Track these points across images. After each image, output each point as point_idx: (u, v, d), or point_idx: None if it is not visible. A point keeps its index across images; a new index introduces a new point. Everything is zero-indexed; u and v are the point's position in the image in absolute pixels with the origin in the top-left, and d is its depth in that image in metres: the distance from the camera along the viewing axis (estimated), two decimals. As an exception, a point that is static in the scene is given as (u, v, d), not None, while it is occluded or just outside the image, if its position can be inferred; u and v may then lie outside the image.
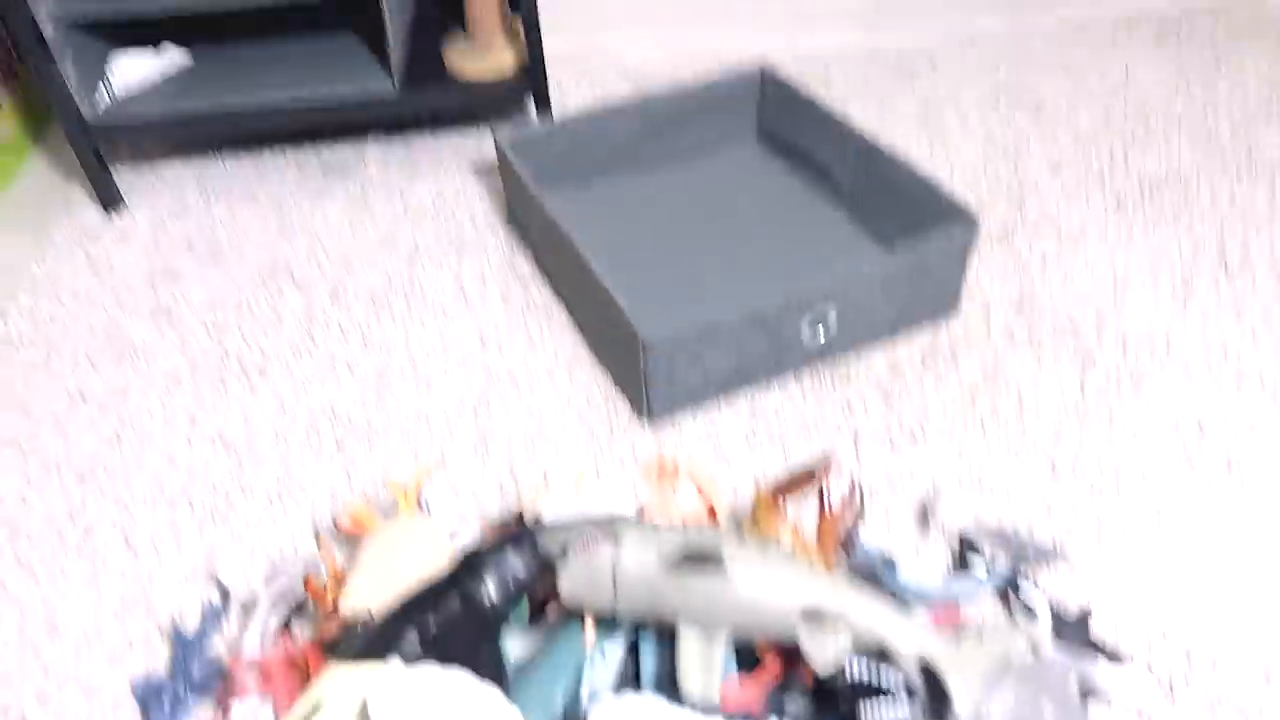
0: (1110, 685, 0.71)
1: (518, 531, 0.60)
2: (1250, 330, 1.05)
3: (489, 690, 0.52)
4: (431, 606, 0.56)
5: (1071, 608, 0.78)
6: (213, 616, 0.80)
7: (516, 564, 0.58)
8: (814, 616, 0.53)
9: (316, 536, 0.78)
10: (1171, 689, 0.72)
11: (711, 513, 0.66)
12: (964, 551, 0.81)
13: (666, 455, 0.68)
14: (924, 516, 0.86)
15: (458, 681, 0.51)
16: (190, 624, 0.81)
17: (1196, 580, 0.80)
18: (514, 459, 0.94)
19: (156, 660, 0.79)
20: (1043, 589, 0.79)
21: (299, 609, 0.78)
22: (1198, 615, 0.78)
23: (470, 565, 0.58)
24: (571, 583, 0.57)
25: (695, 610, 0.56)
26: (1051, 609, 0.75)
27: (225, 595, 0.83)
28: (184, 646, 0.77)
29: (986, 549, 0.81)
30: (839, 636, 0.53)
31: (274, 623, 0.71)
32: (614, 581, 0.56)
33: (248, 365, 1.08)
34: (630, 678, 0.63)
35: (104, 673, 0.78)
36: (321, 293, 1.18)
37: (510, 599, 0.57)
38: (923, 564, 0.83)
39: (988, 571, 0.78)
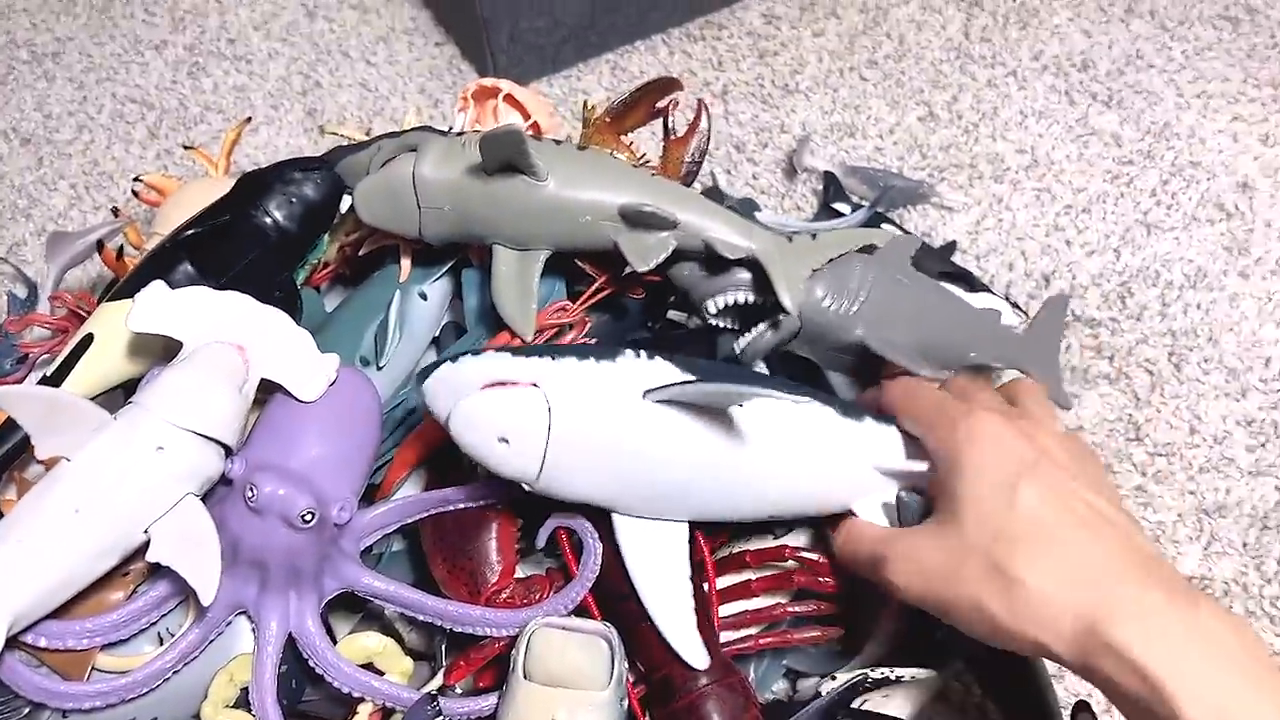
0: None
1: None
2: (1147, -37, 0.97)
3: (275, 313, 0.46)
4: (206, 233, 0.49)
5: (935, 242, 0.75)
6: (18, 309, 0.73)
7: (303, 182, 0.51)
8: (633, 215, 0.48)
9: (114, 211, 0.70)
10: (1027, 312, 0.71)
11: (538, 135, 0.59)
12: (828, 193, 0.76)
13: (486, 80, 0.60)
14: (791, 166, 0.81)
15: (234, 300, 0.46)
16: (-5, 321, 0.74)
17: (1062, 217, 0.78)
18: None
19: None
20: (904, 223, 0.76)
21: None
22: (1059, 251, 0.76)
23: (247, 186, 0.51)
24: (369, 200, 0.51)
25: (506, 220, 0.50)
26: (914, 241, 0.72)
27: (33, 290, 0.75)
28: (-15, 338, 0.70)
29: (851, 189, 0.77)
30: (661, 235, 0.49)
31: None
32: (415, 193, 0.50)
33: (39, 53, 0.94)
34: (459, 319, 0.59)
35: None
36: (119, -31, 1.02)
37: (301, 220, 0.51)
38: (785, 209, 0.79)
39: (852, 209, 0.74)
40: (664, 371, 0.43)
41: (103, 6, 0.98)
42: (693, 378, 0.43)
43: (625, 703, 0.43)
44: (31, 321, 0.56)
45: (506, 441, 0.42)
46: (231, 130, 0.71)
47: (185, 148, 0.75)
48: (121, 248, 0.64)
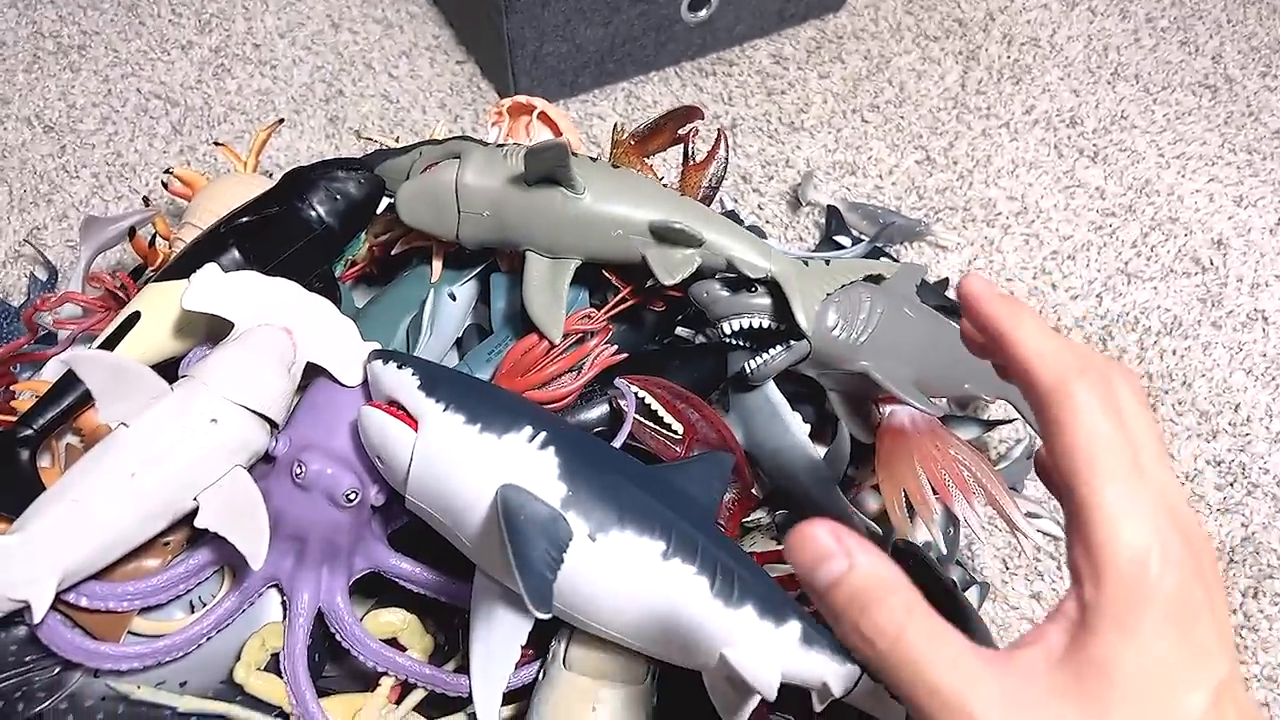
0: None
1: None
2: (1133, 30, 1.03)
3: (320, 300, 0.49)
4: (254, 223, 0.52)
5: (929, 277, 0.79)
6: (39, 289, 0.74)
7: (346, 180, 0.53)
8: (662, 231, 0.51)
9: (145, 200, 0.72)
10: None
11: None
12: (830, 226, 0.80)
13: (521, 97, 0.64)
14: (795, 198, 0.85)
15: (283, 286, 0.48)
16: (15, 301, 0.75)
17: (1049, 261, 0.82)
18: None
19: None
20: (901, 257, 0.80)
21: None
22: (1046, 294, 0.80)
23: (294, 180, 0.53)
24: (412, 202, 0.53)
25: (542, 229, 0.53)
26: (911, 275, 0.76)
27: (53, 273, 0.76)
28: (7, 315, 0.71)
29: (853, 223, 0.81)
30: (687, 252, 0.52)
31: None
32: (456, 199, 0.53)
33: (65, 44, 0.96)
34: (481, 322, 0.61)
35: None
36: (147, -31, 1.04)
37: (342, 216, 0.53)
38: (790, 238, 0.83)
39: (852, 242, 0.78)
40: (539, 469, 0.40)
41: (130, 4, 1.00)
42: (548, 506, 0.39)
43: (656, 699, 0.45)
44: (68, 299, 0.57)
45: (379, 460, 0.43)
46: (262, 130, 0.73)
47: (215, 144, 0.77)
48: (154, 236, 0.66)
